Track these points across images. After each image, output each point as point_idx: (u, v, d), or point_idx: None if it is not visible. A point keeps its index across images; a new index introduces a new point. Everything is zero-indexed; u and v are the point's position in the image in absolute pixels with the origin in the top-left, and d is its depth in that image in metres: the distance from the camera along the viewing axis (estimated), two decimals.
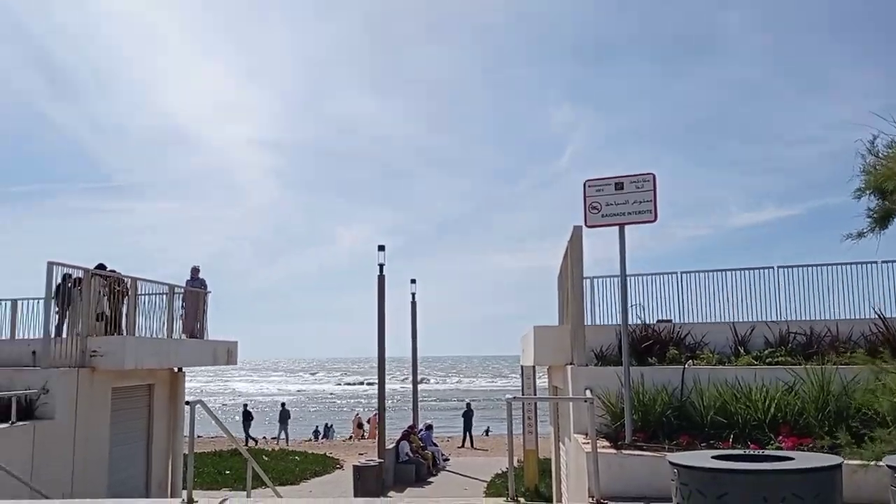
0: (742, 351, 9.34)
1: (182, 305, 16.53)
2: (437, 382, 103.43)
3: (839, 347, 8.58)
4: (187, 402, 7.88)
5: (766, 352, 9.18)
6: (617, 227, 8.35)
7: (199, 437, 30.90)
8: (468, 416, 32.54)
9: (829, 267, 11.85)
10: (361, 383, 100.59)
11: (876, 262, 11.32)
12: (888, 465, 2.59)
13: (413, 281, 28.43)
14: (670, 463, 3.02)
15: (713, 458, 2.83)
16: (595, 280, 12.93)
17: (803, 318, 10.54)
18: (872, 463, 3.99)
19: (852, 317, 10.01)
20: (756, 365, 8.84)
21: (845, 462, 2.86)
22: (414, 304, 28.23)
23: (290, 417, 36.78)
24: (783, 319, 10.64)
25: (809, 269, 12.09)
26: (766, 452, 2.72)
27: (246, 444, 30.36)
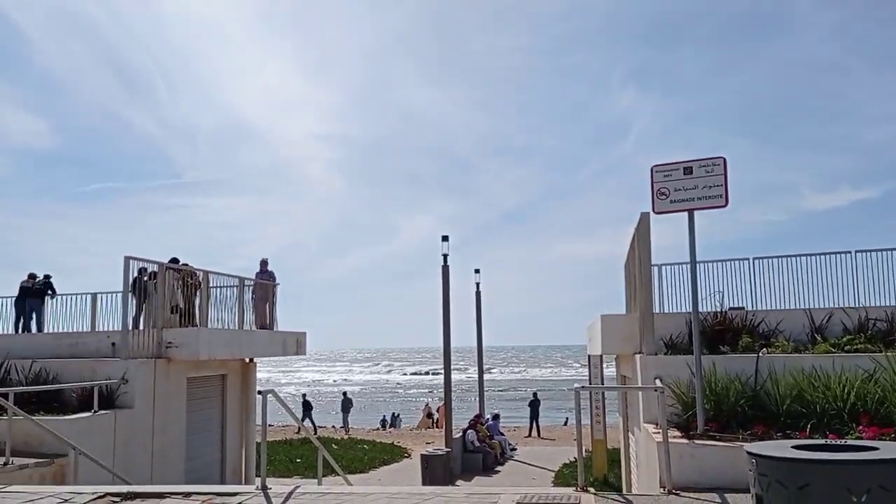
0: (819, 338, 9.03)
1: (252, 297, 16.93)
2: (502, 373, 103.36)
3: None
4: (259, 392, 8.07)
5: (845, 339, 8.85)
6: (686, 213, 8.18)
7: (270, 425, 31.59)
8: (535, 405, 32.43)
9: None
10: (427, 373, 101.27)
11: None
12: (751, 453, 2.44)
13: (477, 271, 28.48)
14: (748, 453, 2.93)
15: (793, 447, 2.74)
16: (663, 267, 12.69)
17: (883, 304, 10.11)
18: None
19: None
20: (834, 352, 8.53)
21: None
22: (478, 293, 28.28)
23: (352, 406, 37.33)
24: (862, 305, 10.24)
25: (890, 252, 11.61)
26: (849, 442, 2.61)
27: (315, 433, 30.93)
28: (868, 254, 11.91)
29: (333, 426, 36.24)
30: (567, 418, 38.32)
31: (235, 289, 16.21)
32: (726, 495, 6.53)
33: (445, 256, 21.20)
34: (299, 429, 15.65)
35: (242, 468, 16.41)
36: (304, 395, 38.69)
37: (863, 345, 8.64)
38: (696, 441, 7.33)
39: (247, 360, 16.72)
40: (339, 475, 11.19)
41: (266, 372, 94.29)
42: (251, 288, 16.94)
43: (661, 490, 7.00)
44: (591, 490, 7.30)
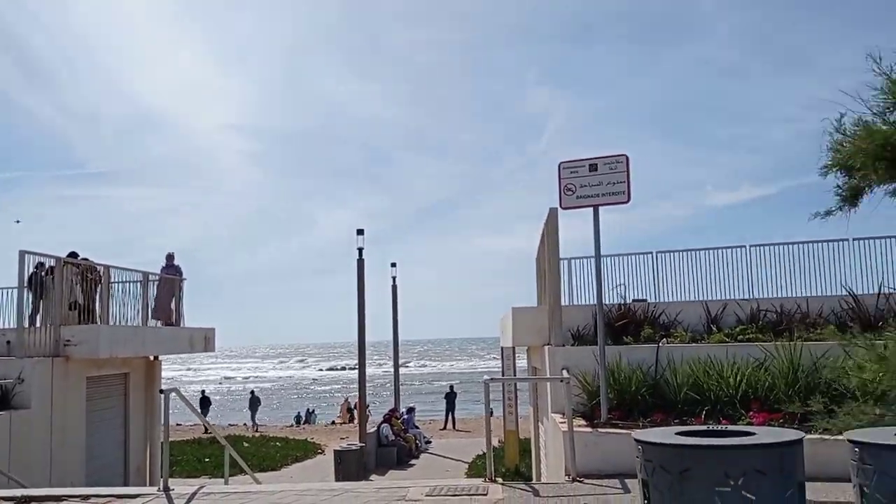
0: (714, 329, 9.45)
1: (157, 293, 16.41)
2: (419, 366, 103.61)
3: (809, 324, 8.70)
4: (161, 391, 7.85)
5: (738, 329, 9.29)
6: (591, 209, 8.42)
7: (178, 424, 30.81)
8: (451, 398, 32.71)
9: (801, 245, 12.02)
10: (343, 368, 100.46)
11: (847, 240, 11.47)
12: (849, 440, 2.64)
13: (393, 265, 28.42)
14: (635, 440, 3.05)
15: (676, 434, 2.87)
16: (573, 261, 13.02)
17: (774, 296, 10.67)
18: (833, 438, 4.06)
19: (822, 294, 10.15)
20: (728, 342, 8.95)
21: (807, 437, 2.91)
22: (395, 287, 28.24)
23: (260, 404, 36.79)
24: (754, 297, 10.78)
25: (781, 247, 12.26)
26: (731, 428, 2.76)
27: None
28: (761, 248, 12.55)
29: (245, 424, 35.57)
30: (492, 410, 38.74)
31: (139, 284, 15.68)
32: (626, 481, 6.75)
33: (360, 250, 21.08)
34: (206, 428, 15.26)
35: (147, 469, 15.91)
36: (202, 392, 37.84)
37: (754, 335, 9.08)
38: (600, 430, 7.55)
39: (151, 357, 16.20)
40: (247, 474, 10.99)
41: (174, 370, 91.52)
42: (156, 283, 16.42)
43: (566, 478, 7.19)
44: (500, 480, 7.42)
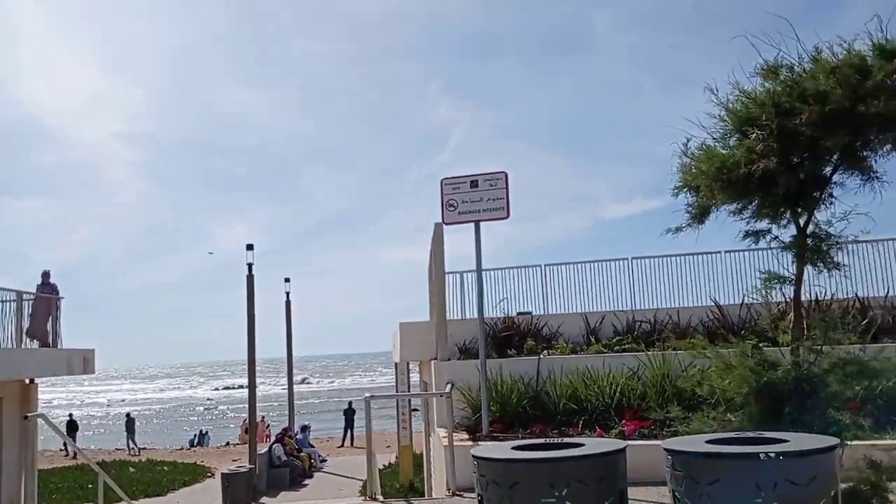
0: (593, 340, 9.78)
1: (32, 312, 15.56)
2: (319, 383, 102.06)
3: (679, 334, 9.13)
4: (26, 417, 7.46)
5: (615, 340, 9.66)
6: (473, 224, 8.60)
7: (61, 450, 29.20)
8: (349, 414, 32.31)
9: (676, 258, 12.61)
10: (239, 387, 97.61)
11: (719, 252, 12.09)
12: (664, 448, 2.80)
13: (287, 280, 27.95)
14: (473, 456, 3.14)
15: (512, 448, 2.97)
16: (465, 274, 13.15)
17: (649, 308, 11.14)
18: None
19: (693, 305, 10.67)
20: (605, 353, 9.28)
21: (650, 444, 3.07)
22: (288, 303, 27.77)
23: (136, 426, 35.44)
24: (631, 309, 11.22)
25: (658, 259, 12.82)
26: (565, 440, 2.89)
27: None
28: (642, 260, 13.09)
29: (133, 448, 34.08)
30: (409, 425, 38.45)
31: (13, 303, 14.82)
32: None
33: (250, 266, 20.66)
34: (74, 453, 14.52)
35: (21, 499, 14.99)
36: (70, 416, 36.02)
37: (630, 345, 9.46)
38: (480, 443, 7.66)
39: (27, 381, 15.31)
40: (123, 501, 10.54)
41: (54, 393, 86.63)
42: (31, 302, 15.56)
43: (447, 493, 7.26)
44: (380, 498, 7.44)
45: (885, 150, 4.62)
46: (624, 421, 7.75)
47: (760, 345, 5.26)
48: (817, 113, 4.49)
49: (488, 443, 7.30)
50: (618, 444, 2.82)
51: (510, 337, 10.13)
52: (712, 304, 9.78)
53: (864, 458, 4.73)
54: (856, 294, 9.66)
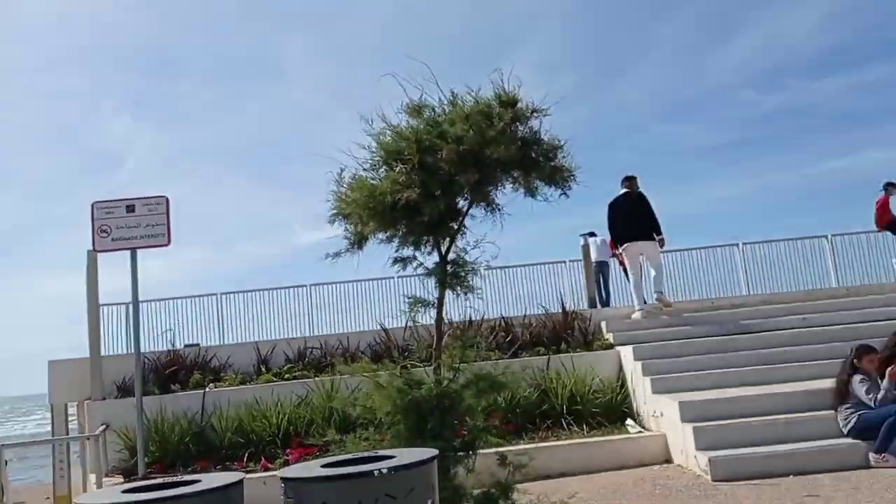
0: (263, 369, 9.63)
1: None
2: None
3: (349, 358, 9.34)
4: None
5: (286, 368, 9.59)
6: (129, 252, 8.04)
7: None
8: None
9: (350, 283, 13.03)
10: None
11: (392, 278, 12.63)
12: (281, 478, 2.82)
13: None
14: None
15: (123, 491, 2.78)
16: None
17: (320, 334, 11.30)
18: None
19: (362, 329, 11.02)
20: (274, 381, 9.18)
21: (247, 478, 3.06)
22: None
23: None
24: (301, 336, 11.30)
25: (334, 286, 13.15)
26: (194, 477, 2.77)
27: None
28: (320, 287, 13.29)
29: None
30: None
31: None
32: None
33: None
34: None
35: None
36: None
37: (301, 372, 9.45)
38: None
39: None
40: None
41: None
42: None
43: None
44: None
45: (506, 188, 5.19)
46: (289, 450, 7.72)
47: (421, 365, 5.58)
48: (454, 151, 4.91)
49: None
50: (233, 476, 2.76)
51: (176, 371, 9.58)
52: (379, 327, 10.18)
53: (497, 463, 5.24)
54: (501, 315, 10.72)
